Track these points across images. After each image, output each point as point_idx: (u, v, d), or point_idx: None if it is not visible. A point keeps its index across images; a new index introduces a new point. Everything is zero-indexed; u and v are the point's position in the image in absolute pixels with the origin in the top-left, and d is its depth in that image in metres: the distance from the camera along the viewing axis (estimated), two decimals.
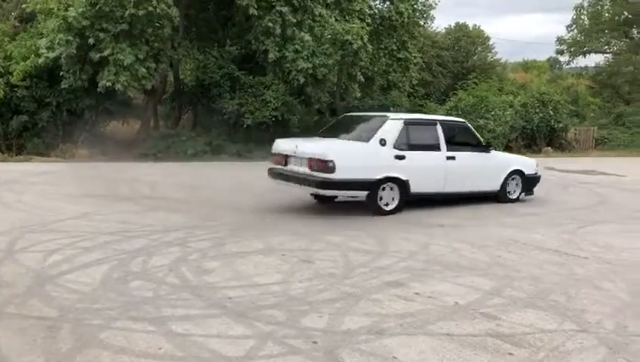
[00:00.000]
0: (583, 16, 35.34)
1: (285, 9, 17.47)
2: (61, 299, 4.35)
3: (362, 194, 8.00)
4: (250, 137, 19.06)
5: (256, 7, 17.16)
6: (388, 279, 4.93)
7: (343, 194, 8.26)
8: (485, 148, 9.74)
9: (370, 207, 8.05)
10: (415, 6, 23.77)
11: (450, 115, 23.46)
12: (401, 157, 8.15)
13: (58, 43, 15.46)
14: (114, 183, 11.02)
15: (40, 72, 16.40)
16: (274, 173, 8.54)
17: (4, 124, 16.61)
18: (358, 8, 19.99)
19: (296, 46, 17.87)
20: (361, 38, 18.75)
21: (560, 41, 36.08)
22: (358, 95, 21.71)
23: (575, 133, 27.32)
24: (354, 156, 7.96)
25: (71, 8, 15.44)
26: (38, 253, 5.62)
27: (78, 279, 4.83)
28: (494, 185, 9.59)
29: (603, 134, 28.40)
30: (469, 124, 10.09)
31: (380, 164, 8.01)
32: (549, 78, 39.80)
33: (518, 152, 23.16)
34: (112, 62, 15.45)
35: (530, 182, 10.13)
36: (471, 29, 37.42)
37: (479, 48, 37.56)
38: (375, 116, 9.59)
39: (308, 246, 6.13)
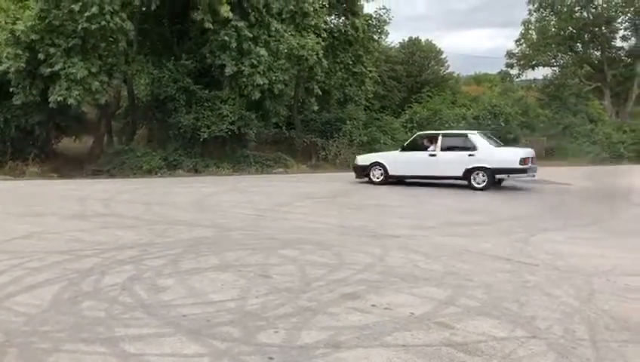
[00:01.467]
0: (531, 31, 36.62)
1: (241, 24, 17.47)
2: (7, 322, 4.19)
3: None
4: (206, 151, 18.91)
5: (211, 21, 17.11)
6: (344, 291, 4.95)
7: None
8: None
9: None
10: (370, 21, 24.17)
11: (405, 127, 23.85)
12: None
13: (6, 57, 15.05)
14: (65, 201, 10.73)
15: None
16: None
17: None
18: (314, 23, 20.17)
19: (252, 60, 17.87)
20: (317, 54, 18.92)
21: (510, 54, 37.24)
22: (316, 108, 21.87)
23: (526, 144, 28.13)
24: None
25: (19, 22, 15.06)
26: None
27: (25, 301, 4.66)
28: None
29: (552, 145, 29.37)
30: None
31: None
32: (500, 91, 40.95)
33: None
34: (64, 76, 15.12)
35: None
36: (423, 43, 38.25)
37: (432, 62, 38.43)
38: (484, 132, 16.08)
39: (264, 261, 6.10)
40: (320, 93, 21.56)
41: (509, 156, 13.97)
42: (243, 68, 17.85)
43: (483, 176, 13.60)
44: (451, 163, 13.92)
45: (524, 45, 36.89)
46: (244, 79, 18.04)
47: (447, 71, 40.16)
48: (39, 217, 8.80)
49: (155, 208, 10.19)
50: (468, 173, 13.71)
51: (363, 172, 15.01)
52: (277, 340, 3.83)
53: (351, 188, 14.06)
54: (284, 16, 19.22)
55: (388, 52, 33.93)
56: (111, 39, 15.94)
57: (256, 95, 18.37)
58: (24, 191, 11.76)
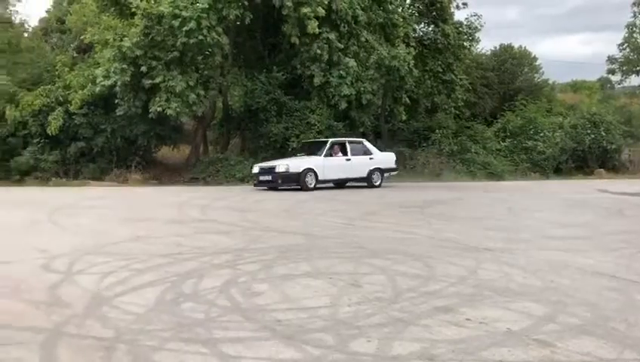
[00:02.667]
0: (635, 35, 34.45)
1: (332, 36, 17.72)
2: (117, 319, 4.48)
3: None
4: None
5: (299, 36, 17.48)
6: (437, 304, 4.86)
7: None
8: None
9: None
10: (460, 28, 23.74)
11: (498, 136, 23.15)
12: None
13: (113, 71, 16.16)
14: (164, 207, 11.31)
15: (96, 100, 17.14)
16: None
17: (63, 150, 17.39)
18: (403, 33, 20.09)
19: (340, 71, 18.06)
20: (408, 64, 18.83)
21: (611, 60, 35.24)
22: (404, 117, 21.71)
23: (629, 154, 26.46)
24: None
25: (125, 38, 16.13)
26: (94, 274, 5.81)
27: (132, 301, 4.96)
28: None
29: None
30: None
31: None
32: (600, 98, 38.81)
33: (569, 174, 22.52)
34: (164, 89, 16.00)
35: None
36: (516, 50, 36.98)
37: (526, 69, 37.04)
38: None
39: (355, 270, 6.12)
40: (408, 102, 21.39)
41: (390, 158, 17.80)
42: (331, 78, 18.08)
43: (379, 175, 17.09)
44: (360, 166, 16.86)
45: (627, 50, 34.77)
46: (332, 89, 18.26)
47: (541, 78, 38.57)
48: (142, 222, 9.34)
49: (248, 215, 10.52)
50: (370, 173, 16.97)
51: (290, 179, 15.77)
52: (370, 349, 3.83)
53: (438, 197, 13.79)
54: (373, 28, 19.30)
55: (479, 59, 33.10)
56: (207, 53, 16.70)
57: (343, 105, 18.54)
58: (128, 197, 12.53)
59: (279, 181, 15.48)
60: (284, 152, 19.12)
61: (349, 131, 20.06)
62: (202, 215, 10.44)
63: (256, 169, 15.88)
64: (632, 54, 34.39)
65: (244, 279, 5.67)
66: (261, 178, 15.68)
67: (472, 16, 24.92)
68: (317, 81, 18.13)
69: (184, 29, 15.74)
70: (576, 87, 50.14)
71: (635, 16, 34.00)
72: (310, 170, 15.65)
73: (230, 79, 18.94)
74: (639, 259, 6.93)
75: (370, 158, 16.96)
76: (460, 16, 32.04)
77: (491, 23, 63.37)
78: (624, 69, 34.50)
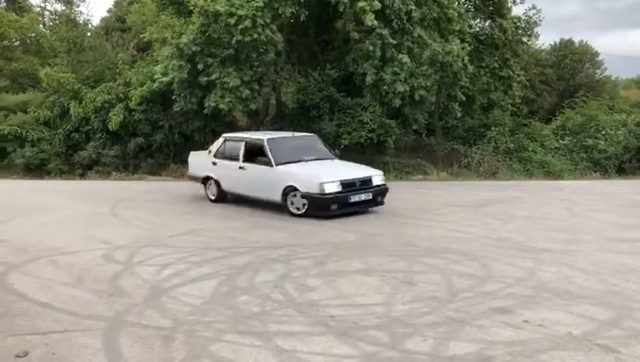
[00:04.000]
0: None
1: (385, 31, 17.56)
2: (175, 310, 4.61)
3: None
4: (347, 157, 19.23)
5: (357, 30, 17.40)
6: (494, 305, 4.77)
7: None
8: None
9: None
10: (518, 23, 23.09)
11: (557, 134, 22.48)
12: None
13: (171, 68, 16.54)
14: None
15: (155, 97, 17.60)
16: None
17: (123, 145, 17.96)
18: (458, 28, 19.69)
19: (394, 68, 17.87)
20: (462, 60, 18.46)
21: None
22: (459, 115, 21.32)
23: None
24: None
25: (183, 36, 16.48)
26: (152, 266, 6.00)
27: (189, 292, 5.09)
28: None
29: None
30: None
31: None
32: None
33: (633, 174, 21.64)
34: (219, 85, 16.27)
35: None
36: (577, 44, 35.70)
37: (587, 65, 35.71)
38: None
39: (408, 268, 6.06)
40: (463, 98, 20.98)
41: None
42: (385, 76, 17.92)
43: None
44: None
45: None
46: (385, 87, 18.10)
47: (603, 74, 37.08)
48: (197, 216, 9.54)
49: None
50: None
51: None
52: (425, 348, 3.79)
53: (493, 195, 13.47)
54: (426, 23, 18.99)
55: (538, 55, 32.11)
56: (262, 50, 16.86)
57: (397, 102, 18.34)
58: (183, 192, 12.80)
59: (379, 199, 10.12)
60: (334, 149, 19.05)
61: (401, 129, 19.83)
62: (256, 210, 10.56)
63: (332, 186, 9.22)
64: None
65: (298, 274, 5.72)
66: (353, 199, 9.52)
67: (530, 10, 24.16)
68: (370, 78, 17.98)
69: (239, 27, 15.93)
70: None
71: None
72: None
73: (284, 76, 19.06)
74: None
75: None
76: (517, 10, 31.22)
77: (550, 17, 61.42)
78: None
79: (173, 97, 17.02)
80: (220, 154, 11.30)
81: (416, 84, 18.20)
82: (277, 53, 17.92)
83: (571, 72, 33.93)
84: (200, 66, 16.34)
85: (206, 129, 17.78)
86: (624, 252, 7.18)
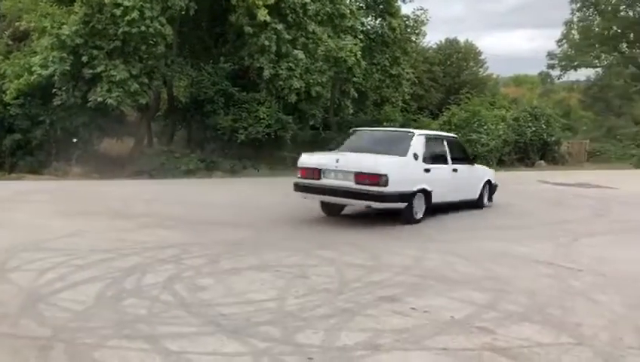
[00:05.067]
0: (573, 31, 35.82)
1: (280, 26, 17.57)
2: (54, 318, 4.31)
3: (402, 206, 8.30)
4: (243, 153, 19.08)
5: (250, 24, 17.26)
6: (383, 294, 4.92)
7: (387, 207, 8.35)
8: (471, 161, 10.70)
9: (405, 217, 8.43)
10: (407, 22, 24.04)
11: (442, 129, 23.65)
12: (427, 170, 8.73)
13: (52, 61, 15.51)
14: (107, 201, 10.97)
15: (33, 90, 16.40)
16: (303, 187, 8.72)
17: None
18: (351, 25, 20.16)
19: (289, 64, 17.96)
20: (355, 55, 18.91)
21: (551, 55, 36.52)
22: (351, 111, 21.84)
23: (568, 147, 27.54)
24: (400, 170, 8.28)
25: (65, 26, 15.50)
26: (30, 271, 5.57)
27: (71, 297, 4.78)
28: (475, 194, 10.44)
29: (595, 147, 28.63)
30: (460, 140, 10.87)
31: (415, 177, 8.50)
32: (540, 92, 40.14)
33: (512, 166, 23.31)
34: (105, 78, 15.50)
35: (493, 190, 11.23)
36: (462, 44, 37.81)
37: (471, 63, 37.94)
38: (398, 131, 11.15)
39: (302, 262, 6.11)
40: (356, 95, 21.52)
41: None
42: (280, 71, 17.95)
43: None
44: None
45: (565, 46, 36.14)
46: (281, 82, 18.15)
47: (486, 72, 39.62)
48: (83, 216, 9.02)
49: (194, 208, 10.33)
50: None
51: None
52: (316, 341, 3.83)
53: None
54: (320, 18, 19.26)
55: (425, 53, 33.64)
56: (151, 42, 16.26)
57: (293, 98, 18.46)
58: (68, 191, 12.08)
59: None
60: (231, 144, 18.89)
61: (297, 124, 19.99)
62: (146, 209, 10.19)
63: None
64: (569, 50, 35.73)
65: (189, 274, 5.56)
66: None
67: (418, 10, 25.32)
68: (266, 73, 17.94)
69: (126, 18, 15.26)
70: (518, 81, 51.78)
71: (572, 13, 35.37)
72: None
73: (175, 69, 18.50)
74: (575, 247, 7.21)
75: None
76: (406, 10, 32.48)
77: (438, 17, 64.71)
78: (563, 64, 35.81)
79: (54, 91, 15.96)
80: (428, 158, 8.98)
81: (311, 80, 18.42)
82: (167, 45, 17.37)
83: (457, 70, 35.90)
84: (84, 58, 15.48)
85: (91, 124, 16.86)
86: (501, 238, 7.70)
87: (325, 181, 8.39)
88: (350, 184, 8.07)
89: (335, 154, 8.86)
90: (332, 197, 8.47)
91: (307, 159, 8.86)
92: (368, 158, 8.31)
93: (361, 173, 7.97)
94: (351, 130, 10.59)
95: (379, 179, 7.84)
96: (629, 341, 3.92)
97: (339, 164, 8.25)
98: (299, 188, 8.78)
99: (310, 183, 8.60)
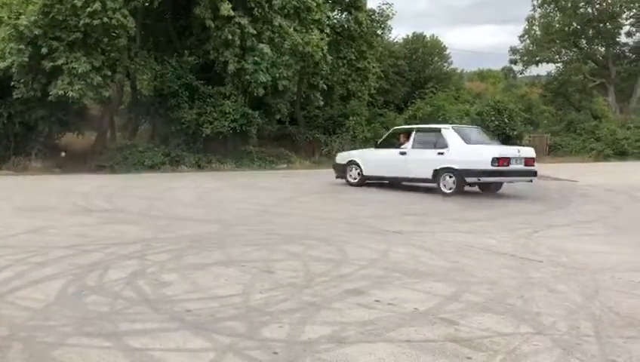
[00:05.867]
0: (534, 27, 36.49)
1: (244, 21, 17.41)
2: (11, 316, 4.19)
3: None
4: (209, 147, 18.91)
5: (212, 18, 17.07)
6: (348, 287, 4.94)
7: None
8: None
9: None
10: (373, 16, 24.12)
11: (408, 123, 23.90)
12: None
13: (9, 52, 15.05)
14: (68, 196, 10.74)
15: None
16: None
17: None
18: (317, 18, 20.12)
19: (255, 58, 17.82)
20: (322, 50, 18.89)
21: (513, 51, 37.14)
22: (321, 103, 21.85)
23: (529, 140, 28.10)
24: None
25: (22, 17, 15.05)
26: None
27: (30, 295, 4.67)
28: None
29: (556, 141, 29.29)
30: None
31: None
32: (503, 87, 40.86)
33: None
34: (66, 71, 15.12)
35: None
36: (428, 39, 38.13)
37: (436, 58, 38.31)
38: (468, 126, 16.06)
39: (268, 257, 6.09)
40: (325, 87, 21.52)
41: (478, 156, 11.57)
42: (246, 65, 17.80)
43: (451, 178, 11.74)
44: (419, 162, 12.12)
45: (527, 41, 36.79)
46: (247, 76, 18.00)
47: (450, 67, 40.08)
48: (42, 212, 8.81)
49: (158, 203, 10.20)
50: (436, 174, 11.85)
51: (342, 172, 13.66)
52: (281, 335, 3.82)
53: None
54: (287, 11, 19.16)
55: (391, 47, 33.83)
56: (113, 34, 15.94)
57: (260, 92, 18.34)
58: (27, 187, 11.78)
59: (335, 172, 14.26)
60: (196, 138, 18.66)
61: (263, 118, 19.90)
62: (108, 204, 10.01)
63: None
64: (531, 46, 36.42)
65: (153, 270, 5.49)
66: None
67: (383, 4, 25.41)
68: (232, 67, 17.76)
69: (87, 9, 14.90)
70: (482, 75, 52.62)
71: (534, 9, 36.04)
72: (354, 162, 13.40)
73: (138, 62, 18.17)
74: (535, 239, 7.38)
75: (439, 153, 11.93)
76: (372, 4, 32.65)
77: (404, 12, 65.27)
78: (525, 59, 36.48)
79: (13, 84, 15.50)
80: None
81: (278, 74, 18.33)
82: (130, 38, 17.05)
83: (422, 64, 36.20)
84: (44, 50, 15.07)
85: (52, 118, 16.45)
86: (465, 231, 7.83)
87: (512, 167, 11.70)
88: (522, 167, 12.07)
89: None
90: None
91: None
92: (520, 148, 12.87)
93: (529, 158, 12.22)
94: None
95: (534, 162, 12.44)
96: (586, 329, 4.04)
97: (519, 154, 12.13)
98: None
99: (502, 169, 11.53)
